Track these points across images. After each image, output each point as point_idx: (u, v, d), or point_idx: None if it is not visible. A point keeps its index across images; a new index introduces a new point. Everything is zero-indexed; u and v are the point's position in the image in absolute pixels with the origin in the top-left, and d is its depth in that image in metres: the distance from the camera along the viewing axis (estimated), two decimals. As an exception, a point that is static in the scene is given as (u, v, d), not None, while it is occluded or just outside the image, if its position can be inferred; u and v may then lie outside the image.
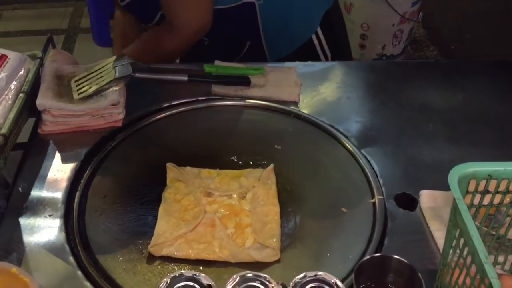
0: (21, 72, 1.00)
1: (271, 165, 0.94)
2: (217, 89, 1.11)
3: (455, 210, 0.62)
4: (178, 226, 0.83)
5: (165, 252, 0.80)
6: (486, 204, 0.68)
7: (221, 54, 1.17)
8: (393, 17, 2.27)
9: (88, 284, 0.75)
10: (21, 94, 0.96)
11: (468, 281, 0.60)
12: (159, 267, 0.79)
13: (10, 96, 0.95)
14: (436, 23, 2.85)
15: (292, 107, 1.09)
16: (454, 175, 0.62)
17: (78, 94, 1.00)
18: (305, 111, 1.07)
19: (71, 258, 0.78)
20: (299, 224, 0.86)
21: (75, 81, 1.03)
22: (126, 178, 0.94)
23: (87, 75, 1.04)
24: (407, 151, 0.99)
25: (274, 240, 0.82)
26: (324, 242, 0.84)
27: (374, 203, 0.89)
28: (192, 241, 0.82)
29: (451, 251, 0.66)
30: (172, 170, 0.92)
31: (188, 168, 0.94)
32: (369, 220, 0.86)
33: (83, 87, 1.01)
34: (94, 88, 1.00)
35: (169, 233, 0.82)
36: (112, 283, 0.76)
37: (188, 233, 0.82)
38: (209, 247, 0.81)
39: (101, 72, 1.03)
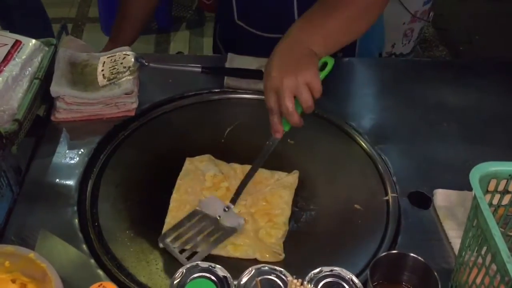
0: (36, 59, 0.99)
1: (297, 173, 0.91)
2: (230, 81, 1.11)
3: (475, 209, 0.61)
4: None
5: None
6: (504, 204, 0.68)
7: None
8: (404, 16, 2.25)
9: (101, 272, 0.75)
10: (35, 80, 0.96)
11: (487, 280, 0.60)
12: (172, 257, 0.78)
13: (25, 82, 0.94)
14: (446, 24, 2.84)
15: (305, 102, 1.08)
16: (476, 173, 0.62)
17: (107, 80, 1.00)
18: (318, 107, 1.07)
19: (84, 246, 0.78)
20: (312, 219, 0.86)
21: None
22: (139, 167, 0.94)
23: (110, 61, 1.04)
24: (421, 149, 0.98)
25: (278, 244, 0.80)
26: (337, 238, 0.83)
27: (387, 201, 0.88)
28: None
29: (468, 250, 0.66)
30: (190, 162, 0.92)
31: (205, 163, 0.93)
32: (383, 217, 0.86)
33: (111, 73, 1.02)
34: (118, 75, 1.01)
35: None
36: (124, 272, 0.76)
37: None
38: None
39: (122, 60, 1.03)
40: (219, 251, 0.79)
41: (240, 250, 0.79)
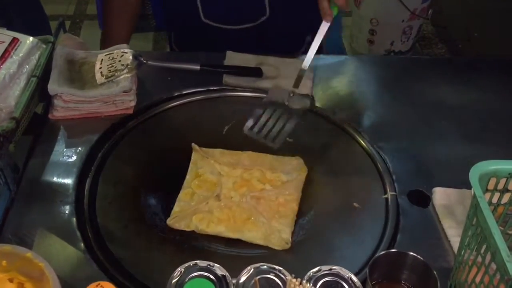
0: (33, 56, 0.99)
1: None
2: (228, 79, 1.10)
3: (475, 207, 0.61)
4: (197, 199, 0.85)
5: (183, 225, 0.81)
6: (504, 203, 0.68)
7: (280, 45, 1.16)
8: (402, 13, 2.25)
9: (99, 271, 0.75)
10: (32, 78, 0.95)
11: (486, 279, 0.60)
12: (170, 256, 0.78)
13: (22, 80, 0.94)
14: (445, 21, 2.83)
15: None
16: (475, 172, 0.62)
17: (105, 78, 0.99)
18: (317, 105, 1.07)
19: (82, 245, 0.78)
20: (312, 218, 0.86)
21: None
22: (137, 166, 0.93)
23: (108, 59, 1.04)
24: (420, 148, 0.98)
25: (286, 230, 0.81)
26: (336, 236, 0.83)
27: (386, 199, 0.88)
28: (209, 218, 0.82)
29: (467, 248, 0.65)
30: (196, 151, 0.93)
31: (211, 149, 0.94)
32: (382, 216, 0.86)
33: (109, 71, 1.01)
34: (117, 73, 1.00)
35: (188, 205, 0.84)
36: (122, 271, 0.76)
37: (206, 210, 0.83)
38: (224, 225, 0.82)
39: (120, 58, 1.03)
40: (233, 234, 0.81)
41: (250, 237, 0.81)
